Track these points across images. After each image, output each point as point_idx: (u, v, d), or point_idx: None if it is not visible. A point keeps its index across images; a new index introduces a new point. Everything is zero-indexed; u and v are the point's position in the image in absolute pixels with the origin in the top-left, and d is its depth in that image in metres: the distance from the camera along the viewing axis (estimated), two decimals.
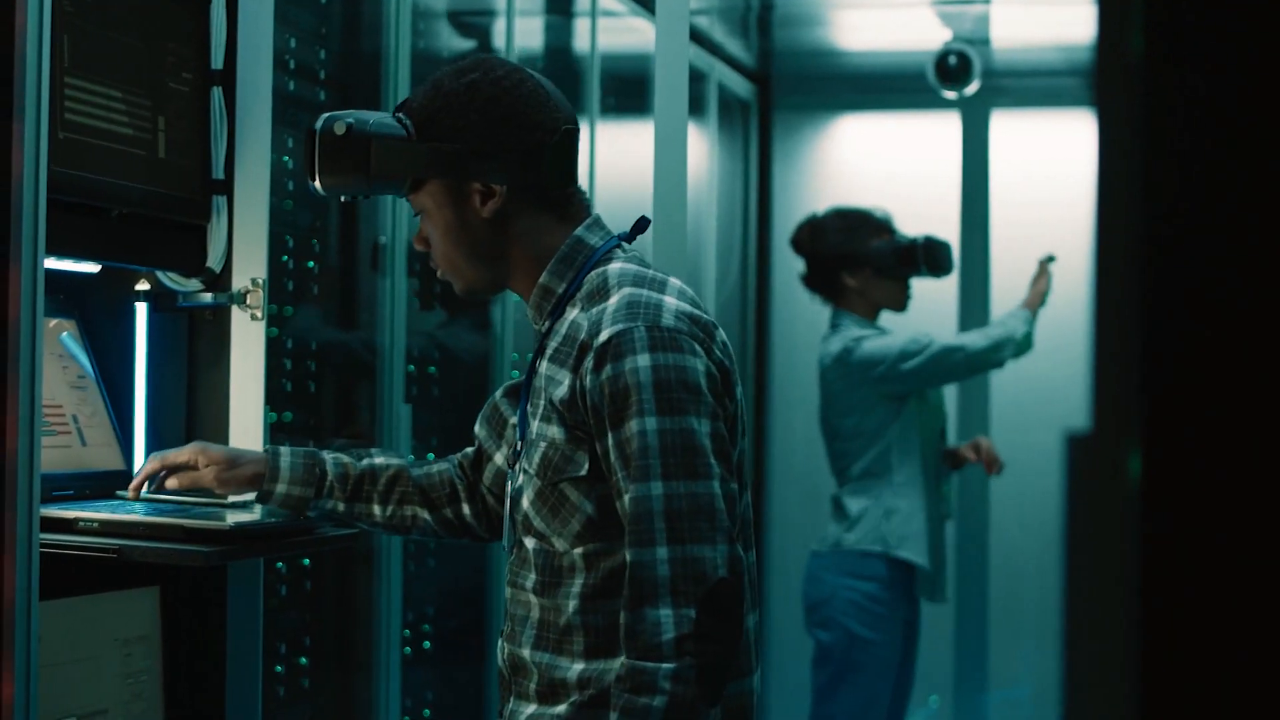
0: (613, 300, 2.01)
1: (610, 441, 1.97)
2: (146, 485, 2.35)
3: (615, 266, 2.07)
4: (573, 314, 2.06)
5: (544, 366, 2.07)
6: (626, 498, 1.95)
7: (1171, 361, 1.02)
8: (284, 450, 2.33)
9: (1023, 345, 4.14)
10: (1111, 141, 1.05)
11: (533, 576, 2.07)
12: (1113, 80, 1.05)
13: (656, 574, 1.91)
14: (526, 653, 2.08)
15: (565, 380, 2.01)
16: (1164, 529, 1.01)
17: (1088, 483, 1.05)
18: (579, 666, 2.02)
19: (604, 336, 1.97)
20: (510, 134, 2.07)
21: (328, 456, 2.34)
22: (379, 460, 2.35)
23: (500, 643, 2.15)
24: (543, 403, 2.05)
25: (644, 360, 1.95)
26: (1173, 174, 1.03)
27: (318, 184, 2.13)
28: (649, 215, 2.24)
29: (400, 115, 2.13)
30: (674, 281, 2.07)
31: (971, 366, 4.15)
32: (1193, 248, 1.02)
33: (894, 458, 4.09)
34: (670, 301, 2.01)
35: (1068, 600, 1.06)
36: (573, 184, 2.14)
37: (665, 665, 1.89)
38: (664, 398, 1.94)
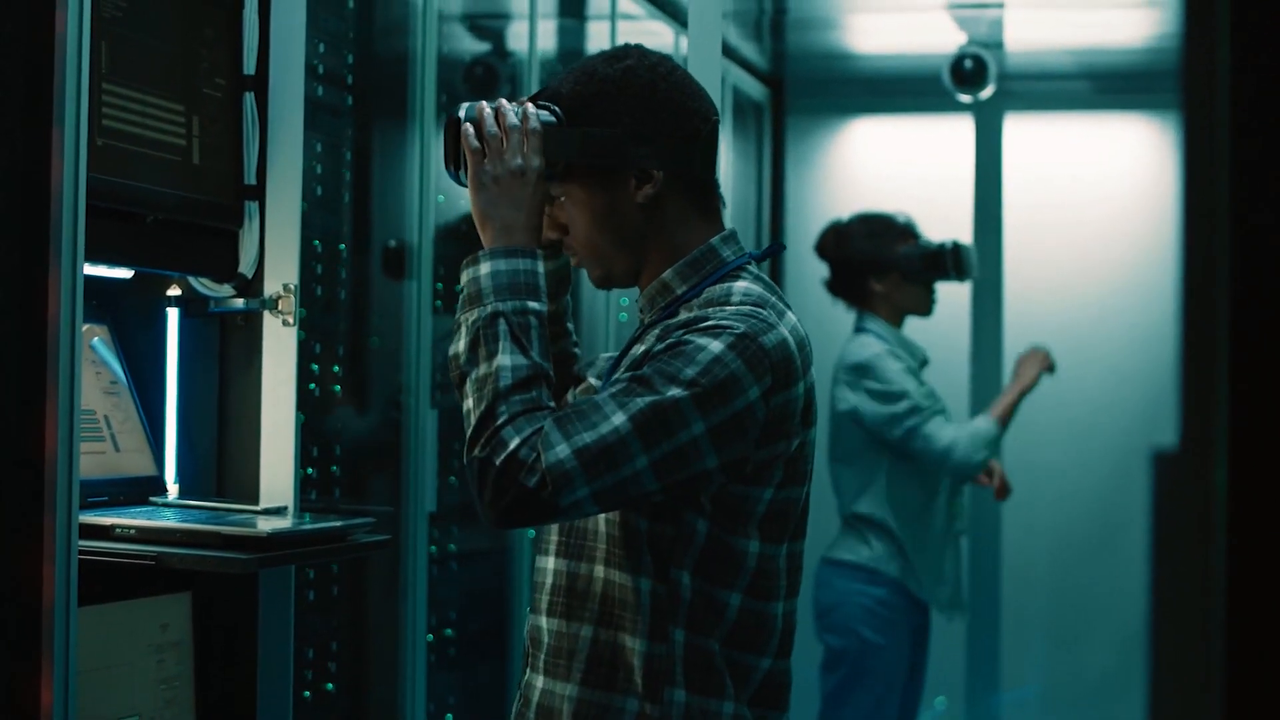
0: (734, 306, 1.98)
1: (628, 366, 1.95)
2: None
3: (741, 285, 2.03)
4: (683, 316, 2.01)
5: (636, 349, 2.03)
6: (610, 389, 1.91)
7: (1259, 377, 1.02)
8: None
9: (991, 451, 4.07)
10: (1198, 152, 1.05)
11: (602, 547, 2.01)
12: (1200, 87, 1.05)
13: (600, 428, 1.86)
14: (543, 620, 2.05)
15: (649, 340, 2.00)
16: (1251, 545, 1.01)
17: (1174, 499, 1.05)
18: (588, 631, 2.00)
19: (709, 318, 1.95)
20: (668, 120, 2.04)
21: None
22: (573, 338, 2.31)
23: (529, 615, 2.11)
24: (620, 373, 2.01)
25: (718, 347, 1.91)
26: (1260, 185, 1.03)
27: (461, 173, 2.07)
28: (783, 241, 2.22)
29: (544, 103, 2.07)
30: (791, 315, 2.04)
31: (950, 469, 4.06)
32: None
33: (897, 488, 4.08)
34: (781, 331, 1.98)
35: (1155, 617, 1.06)
36: (716, 175, 2.12)
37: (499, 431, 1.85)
38: (699, 381, 1.90)
